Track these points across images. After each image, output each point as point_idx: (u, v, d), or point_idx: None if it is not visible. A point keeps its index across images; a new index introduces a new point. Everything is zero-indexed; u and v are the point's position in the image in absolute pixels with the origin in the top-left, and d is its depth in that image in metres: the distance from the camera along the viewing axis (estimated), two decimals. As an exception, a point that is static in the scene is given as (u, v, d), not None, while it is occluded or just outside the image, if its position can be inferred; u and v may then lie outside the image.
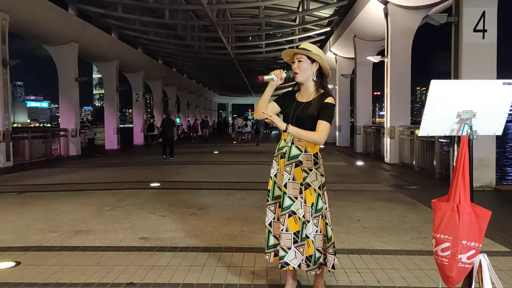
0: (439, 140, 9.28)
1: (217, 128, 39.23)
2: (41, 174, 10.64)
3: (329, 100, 2.84)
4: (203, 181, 8.97)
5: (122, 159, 15.16)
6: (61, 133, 16.79)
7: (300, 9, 18.13)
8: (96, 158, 15.63)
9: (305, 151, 2.85)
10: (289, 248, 2.78)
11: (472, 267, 2.32)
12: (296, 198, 2.80)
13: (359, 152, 16.64)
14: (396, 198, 6.87)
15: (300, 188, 2.81)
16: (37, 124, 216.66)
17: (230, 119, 63.61)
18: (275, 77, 2.81)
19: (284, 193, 2.82)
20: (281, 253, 2.79)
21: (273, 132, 42.85)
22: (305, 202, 2.80)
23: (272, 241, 2.90)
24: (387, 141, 12.44)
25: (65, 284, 3.28)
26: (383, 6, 12.14)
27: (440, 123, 2.42)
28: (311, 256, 2.79)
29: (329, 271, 2.91)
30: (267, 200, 2.96)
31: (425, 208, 6.00)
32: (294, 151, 2.85)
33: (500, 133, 2.51)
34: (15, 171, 11.23)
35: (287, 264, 2.78)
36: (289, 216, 2.79)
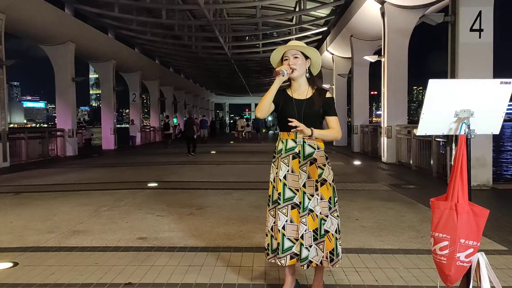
0: (436, 139, 9.30)
1: (211, 128, 37.64)
2: (38, 174, 10.61)
3: (328, 95, 2.93)
4: (201, 181, 8.97)
5: (119, 159, 15.13)
6: (58, 133, 16.74)
7: (297, 9, 18.15)
8: (93, 158, 15.60)
9: (318, 148, 2.87)
10: (311, 246, 2.80)
11: (470, 266, 2.33)
12: (313, 196, 2.82)
13: (356, 151, 16.67)
14: (393, 197, 6.89)
15: (316, 185, 2.83)
16: (34, 125, 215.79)
17: (227, 118, 63.53)
18: (285, 72, 2.79)
19: (304, 193, 2.81)
20: (305, 253, 2.79)
21: (270, 131, 43.16)
22: (321, 199, 2.82)
23: (287, 244, 2.81)
24: (384, 140, 12.47)
25: (63, 284, 3.27)
26: (380, 5, 12.16)
27: (438, 122, 2.43)
28: (333, 249, 2.83)
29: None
30: (277, 203, 2.85)
31: (423, 207, 6.02)
32: (308, 150, 2.85)
33: (497, 132, 2.52)
34: (12, 172, 11.19)
35: (311, 262, 2.81)
36: (308, 214, 2.81)
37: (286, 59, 2.89)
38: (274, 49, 3.02)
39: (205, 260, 3.83)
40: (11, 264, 3.73)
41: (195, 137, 16.46)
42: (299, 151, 2.85)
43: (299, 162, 2.84)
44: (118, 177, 9.90)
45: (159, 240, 4.48)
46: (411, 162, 10.95)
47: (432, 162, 9.59)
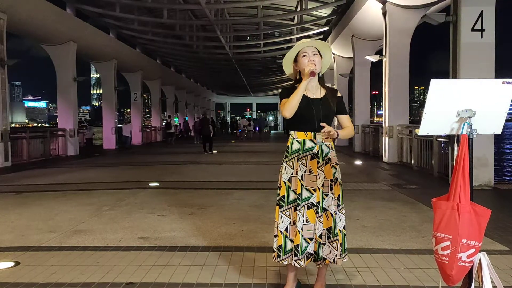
0: (438, 139, 9.30)
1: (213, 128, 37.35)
2: (40, 174, 10.63)
3: (339, 94, 2.99)
4: (202, 180, 8.97)
5: (120, 159, 15.14)
6: (59, 133, 16.75)
7: (298, 9, 18.13)
8: (94, 158, 15.62)
9: (331, 148, 2.90)
10: (324, 244, 2.84)
11: (472, 266, 2.32)
12: (327, 195, 2.84)
13: (357, 151, 16.66)
14: (395, 197, 6.88)
15: (331, 184, 2.85)
16: (35, 124, 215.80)
17: (228, 118, 63.54)
18: (315, 69, 2.78)
19: (323, 192, 2.83)
20: (321, 250, 2.84)
21: (272, 131, 43.32)
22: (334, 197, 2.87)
23: (304, 245, 2.79)
24: (385, 140, 12.46)
25: (65, 284, 3.28)
26: (381, 5, 12.15)
27: (440, 122, 2.43)
28: (341, 244, 2.89)
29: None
30: (296, 204, 2.82)
31: (424, 207, 6.01)
32: (325, 150, 2.87)
33: (499, 132, 2.51)
34: (14, 171, 11.21)
35: (324, 259, 2.85)
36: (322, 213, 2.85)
37: (305, 56, 2.84)
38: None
39: (206, 259, 3.83)
40: (12, 264, 3.74)
41: (211, 135, 17.12)
42: (318, 151, 2.84)
43: (318, 162, 2.84)
44: (119, 177, 9.91)
45: (160, 240, 4.48)
46: (412, 162, 10.94)
47: (433, 162, 9.58)
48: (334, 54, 20.03)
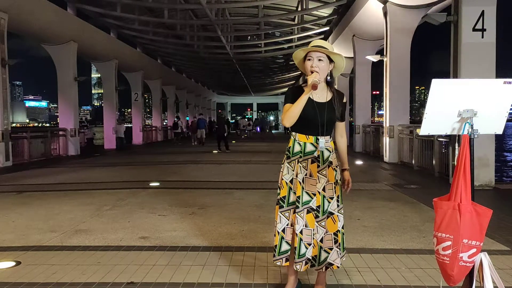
0: (438, 139, 9.29)
1: (209, 128, 33.51)
2: (41, 173, 10.63)
3: (345, 99, 2.93)
4: (202, 180, 8.97)
5: (121, 158, 15.15)
6: (60, 132, 16.76)
7: (299, 9, 18.13)
8: (95, 158, 15.62)
9: (332, 151, 2.89)
10: (331, 249, 2.81)
11: (473, 266, 2.32)
12: (332, 198, 2.83)
13: (358, 151, 16.66)
14: (395, 197, 6.88)
15: (334, 188, 2.84)
16: (36, 124, 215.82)
17: (228, 118, 63.52)
18: (319, 81, 2.71)
19: (324, 196, 2.81)
20: (324, 255, 2.81)
21: (274, 131, 43.44)
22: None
23: (303, 249, 2.77)
24: (386, 140, 12.45)
25: (66, 283, 3.28)
26: (382, 5, 12.15)
27: (441, 122, 2.42)
28: (340, 244, 2.89)
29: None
30: (296, 206, 2.79)
31: (425, 207, 6.01)
32: (326, 154, 2.85)
33: (500, 132, 2.51)
34: (15, 171, 11.22)
35: (331, 264, 2.82)
36: (328, 217, 2.82)
37: (310, 59, 2.79)
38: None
39: (207, 259, 3.83)
40: (13, 263, 3.74)
41: (225, 135, 17.71)
42: (318, 155, 2.82)
43: (318, 166, 2.82)
44: (120, 177, 9.91)
45: (161, 240, 4.48)
46: (413, 162, 10.93)
47: (434, 162, 9.57)
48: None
